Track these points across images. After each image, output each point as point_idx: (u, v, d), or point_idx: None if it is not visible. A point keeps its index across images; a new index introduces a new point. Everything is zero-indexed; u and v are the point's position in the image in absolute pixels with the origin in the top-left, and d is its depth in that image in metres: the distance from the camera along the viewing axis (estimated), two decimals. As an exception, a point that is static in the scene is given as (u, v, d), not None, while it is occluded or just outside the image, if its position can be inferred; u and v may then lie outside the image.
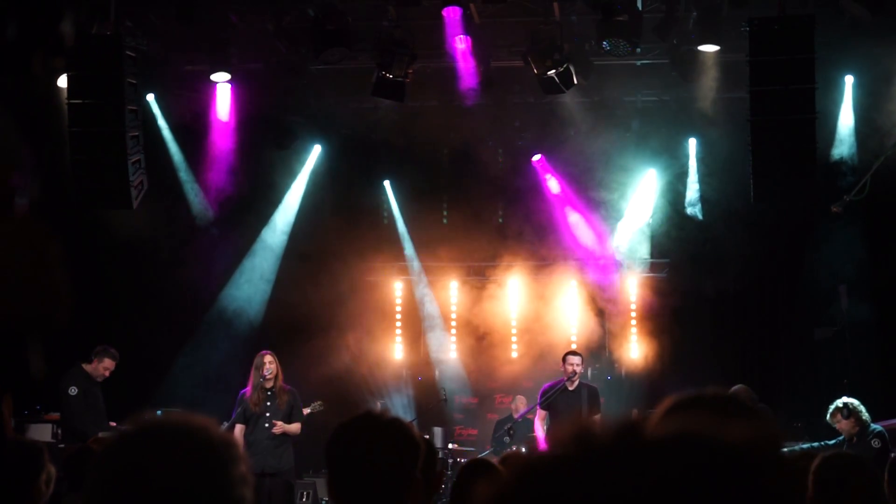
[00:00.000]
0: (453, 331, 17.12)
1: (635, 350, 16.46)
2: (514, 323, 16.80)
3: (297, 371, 14.45)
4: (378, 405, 15.49)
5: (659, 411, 1.85)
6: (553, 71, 13.18)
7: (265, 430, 11.85)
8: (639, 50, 13.06)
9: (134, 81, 12.06)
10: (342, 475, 3.21)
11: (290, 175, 16.79)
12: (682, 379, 14.85)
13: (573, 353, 12.93)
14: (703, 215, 15.88)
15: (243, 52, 14.12)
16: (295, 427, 12.03)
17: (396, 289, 17.37)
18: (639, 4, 12.56)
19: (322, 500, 14.24)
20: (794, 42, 11.14)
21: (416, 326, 17.24)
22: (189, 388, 14.99)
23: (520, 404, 14.78)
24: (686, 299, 15.64)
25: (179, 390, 14.97)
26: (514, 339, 16.76)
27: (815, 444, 11.21)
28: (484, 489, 1.18)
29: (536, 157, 16.57)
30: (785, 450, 10.21)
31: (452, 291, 17.20)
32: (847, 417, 11.03)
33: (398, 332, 17.24)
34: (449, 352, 17.03)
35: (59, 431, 12.97)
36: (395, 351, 17.15)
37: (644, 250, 16.57)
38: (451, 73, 14.23)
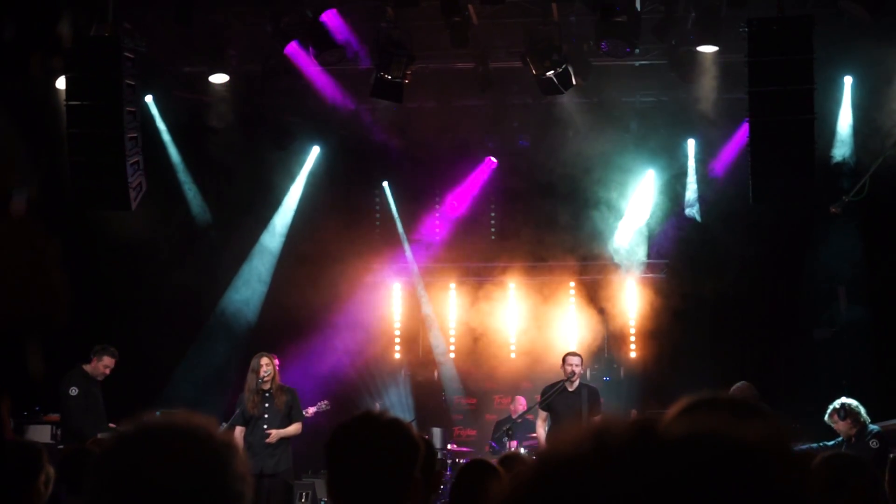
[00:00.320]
0: (452, 332, 17.12)
1: (634, 351, 16.46)
2: (512, 323, 16.80)
3: (296, 372, 14.47)
4: (377, 406, 15.49)
5: (673, 412, 1.85)
6: (552, 72, 13.18)
7: (263, 431, 11.85)
8: (637, 51, 13.06)
9: (132, 83, 12.04)
10: (341, 475, 3.21)
11: (289, 176, 16.80)
12: (681, 380, 14.87)
13: (572, 353, 12.92)
14: (702, 216, 15.89)
15: (241, 53, 14.12)
16: (294, 428, 12.03)
17: (395, 290, 17.37)
18: (637, 5, 12.56)
19: (321, 500, 14.23)
20: (793, 43, 11.14)
21: (414, 327, 17.24)
22: (188, 388, 14.99)
23: (518, 405, 14.78)
24: (685, 300, 15.64)
25: (179, 391, 14.97)
26: (512, 339, 16.76)
27: (814, 444, 11.20)
28: (501, 486, 1.18)
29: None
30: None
31: (451, 292, 17.20)
32: (844, 419, 11.03)
33: (397, 333, 17.24)
34: (447, 353, 17.03)
35: (58, 432, 12.96)
36: (394, 352, 17.15)
37: (643, 251, 16.57)
38: (448, 75, 14.25)
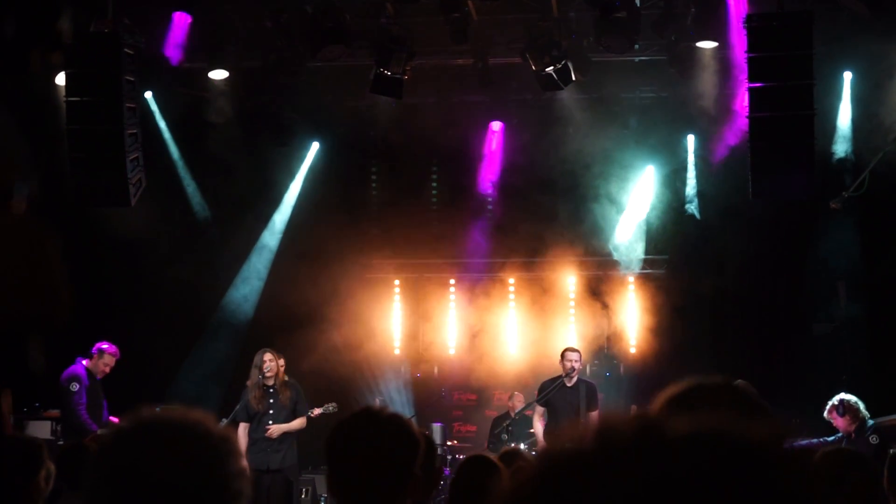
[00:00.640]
0: (451, 328, 17.12)
1: (634, 347, 16.47)
2: (511, 320, 16.80)
3: (297, 368, 14.47)
4: (377, 401, 15.49)
5: (660, 400, 1.85)
6: (551, 67, 13.17)
7: (267, 428, 11.87)
8: (637, 46, 13.06)
9: (132, 79, 12.03)
10: (342, 471, 3.21)
11: (289, 172, 16.79)
12: (681, 375, 14.78)
13: (571, 349, 12.93)
14: (702, 212, 15.88)
15: (241, 49, 14.11)
16: (297, 423, 12.04)
17: (395, 286, 17.37)
18: (637, 1, 12.55)
19: (321, 496, 14.24)
20: (793, 38, 11.13)
21: (414, 323, 17.24)
22: (188, 385, 15.00)
23: (517, 401, 14.78)
24: (684, 296, 15.64)
25: (178, 387, 14.99)
26: (512, 335, 16.76)
27: (814, 440, 11.21)
28: (505, 482, 1.18)
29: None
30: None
31: (451, 288, 17.20)
32: (843, 415, 11.04)
33: (397, 328, 17.24)
34: (447, 349, 17.03)
35: (59, 428, 12.98)
36: (394, 348, 17.15)
37: (642, 247, 16.57)
38: (448, 71, 14.25)
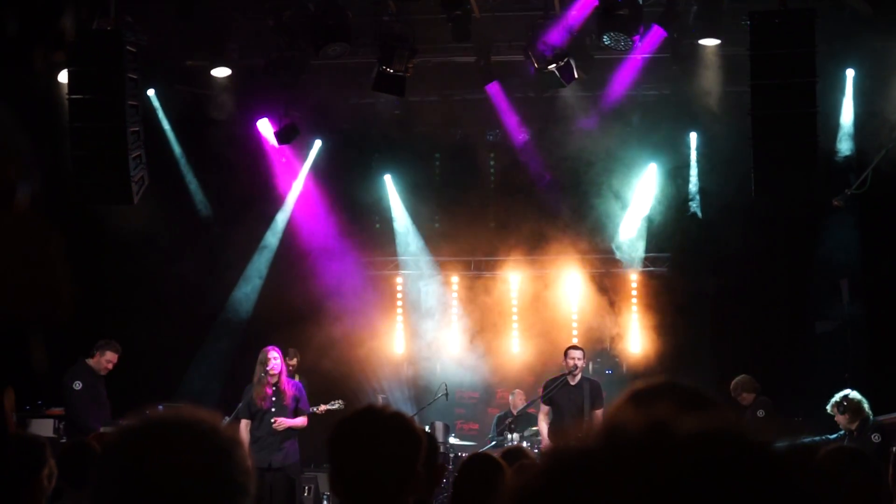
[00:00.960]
0: (454, 325, 17.12)
1: (636, 344, 16.46)
2: (514, 317, 16.80)
3: (299, 366, 14.48)
4: (379, 399, 15.50)
5: (621, 399, 1.86)
6: (553, 65, 13.16)
7: (270, 425, 11.88)
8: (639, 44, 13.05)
9: (134, 76, 12.04)
10: (344, 469, 3.21)
11: (291, 170, 16.79)
12: (683, 373, 14.86)
13: (575, 347, 12.94)
14: (704, 209, 15.87)
15: (243, 47, 14.12)
16: (300, 421, 12.05)
17: (397, 283, 17.38)
18: (639, -2, 12.55)
19: (324, 494, 14.25)
20: (795, 36, 11.12)
21: (417, 321, 17.24)
22: (191, 382, 15.01)
23: (518, 399, 14.78)
24: (687, 294, 15.63)
25: (182, 385, 14.99)
26: (514, 333, 16.76)
27: (817, 438, 11.20)
28: (512, 480, 1.18)
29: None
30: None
31: (453, 286, 17.20)
32: (843, 413, 11.03)
33: (399, 326, 17.25)
34: (450, 346, 17.03)
35: (61, 426, 12.99)
36: (396, 345, 17.16)
37: (645, 245, 16.56)
38: (450, 68, 14.24)
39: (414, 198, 17.17)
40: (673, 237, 16.26)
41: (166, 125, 15.43)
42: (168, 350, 15.33)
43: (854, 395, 11.12)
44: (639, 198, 16.36)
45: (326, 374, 15.23)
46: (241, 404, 12.02)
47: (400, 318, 17.29)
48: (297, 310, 15.63)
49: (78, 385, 12.45)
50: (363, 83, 14.00)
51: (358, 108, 15.69)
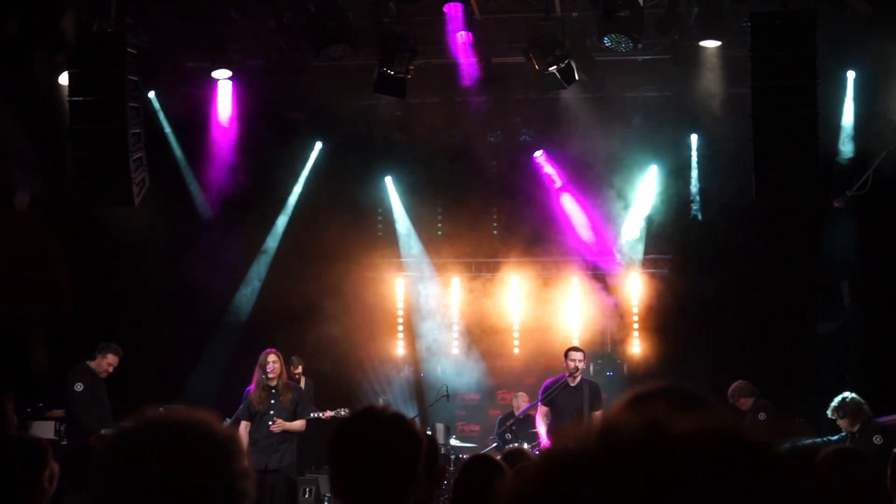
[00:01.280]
0: (455, 327, 17.12)
1: (637, 346, 16.46)
2: (515, 319, 16.81)
3: (304, 372, 14.49)
4: (380, 401, 15.50)
5: (620, 403, 1.86)
6: (554, 67, 13.16)
7: (268, 427, 11.88)
8: (640, 46, 13.04)
9: (135, 78, 12.04)
10: (345, 471, 3.21)
11: (292, 171, 16.80)
12: (684, 374, 14.86)
13: (575, 349, 12.93)
14: (705, 211, 15.87)
15: (244, 48, 14.12)
16: (297, 424, 12.04)
17: (398, 285, 17.38)
18: (640, 0, 12.55)
19: (325, 496, 14.25)
20: (796, 37, 11.12)
21: (418, 323, 17.25)
22: (191, 384, 15.01)
23: (521, 401, 14.78)
24: (688, 295, 15.63)
25: (183, 387, 14.99)
26: (515, 335, 16.77)
27: (818, 440, 11.20)
28: (509, 482, 1.18)
29: (538, 154, 16.57)
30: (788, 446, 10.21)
31: (454, 288, 17.20)
32: (843, 417, 11.03)
33: (400, 328, 17.25)
34: (451, 348, 17.03)
35: (63, 428, 12.99)
36: (397, 347, 17.16)
37: (646, 246, 16.57)
38: (451, 70, 14.23)
39: (415, 199, 17.18)
40: (674, 239, 16.27)
41: (167, 127, 15.43)
42: (168, 352, 15.34)
43: (852, 397, 11.11)
44: (640, 199, 16.37)
45: (327, 376, 15.24)
46: (241, 406, 12.03)
47: (401, 320, 17.29)
48: (297, 312, 15.63)
49: (79, 387, 12.46)
50: (364, 85, 13.99)
51: (359, 110, 15.69)
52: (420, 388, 16.87)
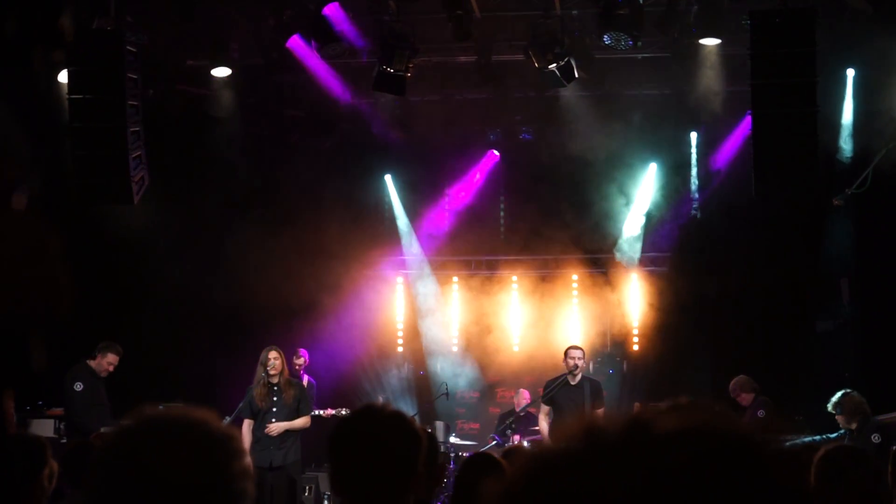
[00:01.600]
0: (455, 325, 17.13)
1: (636, 344, 16.47)
2: (515, 317, 16.81)
3: (307, 366, 14.48)
4: (380, 399, 15.50)
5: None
6: (554, 65, 13.16)
7: (269, 425, 11.88)
8: (640, 44, 13.04)
9: (134, 76, 12.04)
10: (345, 469, 3.21)
11: (291, 170, 16.78)
12: (684, 373, 14.90)
13: (575, 347, 12.93)
14: (705, 209, 15.88)
15: (244, 46, 14.11)
16: (301, 422, 12.04)
17: (398, 283, 17.38)
18: (639, -2, 12.55)
19: (325, 493, 14.25)
20: (796, 35, 11.12)
21: (417, 321, 17.25)
22: (190, 382, 15.00)
23: (522, 398, 14.78)
24: (687, 293, 15.63)
25: (182, 385, 14.97)
26: (515, 333, 16.77)
27: (817, 437, 11.21)
28: (493, 484, 1.18)
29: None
30: (787, 443, 10.22)
31: (454, 285, 17.21)
32: (843, 412, 11.04)
33: (399, 326, 17.25)
34: (450, 346, 17.04)
35: (62, 427, 13.00)
36: (397, 345, 17.16)
37: (645, 244, 16.57)
38: (451, 68, 14.24)
39: (414, 197, 17.17)
40: (673, 237, 16.26)
41: (166, 125, 15.41)
42: (167, 350, 15.34)
43: (854, 394, 11.12)
44: (639, 197, 16.37)
45: (327, 374, 15.23)
46: (242, 404, 12.01)
47: (400, 318, 17.29)
48: (297, 310, 15.63)
49: (79, 386, 12.46)
50: (364, 82, 13.99)
51: (358, 108, 15.68)
52: (420, 385, 16.87)
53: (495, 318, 16.71)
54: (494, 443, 13.55)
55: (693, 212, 16.06)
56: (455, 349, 17.01)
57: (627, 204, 16.36)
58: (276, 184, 16.73)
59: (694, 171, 16.06)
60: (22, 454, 4.98)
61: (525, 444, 12.66)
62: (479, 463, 5.74)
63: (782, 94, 11.12)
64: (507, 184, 16.75)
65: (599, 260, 16.67)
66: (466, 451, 13.34)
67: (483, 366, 16.63)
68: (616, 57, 13.81)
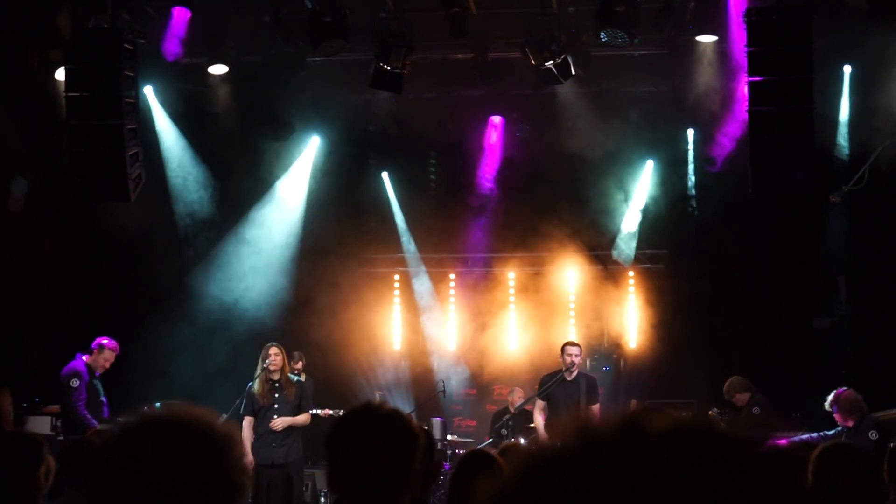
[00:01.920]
0: (451, 322, 17.13)
1: (633, 340, 16.47)
2: (512, 314, 16.81)
3: (305, 368, 14.48)
4: (377, 396, 15.51)
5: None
6: (551, 62, 13.17)
7: (271, 422, 11.87)
8: (636, 41, 13.04)
9: (131, 74, 12.04)
10: (342, 466, 3.22)
11: (288, 167, 16.78)
12: (681, 370, 14.90)
13: (571, 343, 12.93)
14: (701, 206, 15.88)
15: (241, 44, 14.10)
16: (303, 418, 12.04)
17: (394, 280, 17.38)
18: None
19: (322, 491, 14.25)
20: (792, 32, 11.13)
21: (414, 318, 17.25)
22: (188, 380, 14.99)
23: (517, 396, 14.79)
24: (684, 290, 15.65)
25: (178, 382, 14.97)
26: (512, 330, 16.77)
27: (815, 434, 11.23)
28: (488, 484, 1.18)
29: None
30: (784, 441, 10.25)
31: (451, 283, 17.20)
32: (840, 409, 11.05)
33: (396, 323, 17.25)
34: (447, 343, 17.04)
35: (59, 424, 12.99)
36: (394, 342, 17.16)
37: (642, 241, 16.57)
38: (447, 65, 14.23)
39: (411, 194, 17.17)
40: (670, 234, 16.27)
41: (163, 123, 15.41)
42: (165, 348, 15.34)
43: (851, 391, 11.14)
44: (636, 194, 16.37)
45: (324, 371, 15.23)
46: (243, 401, 11.99)
47: (397, 315, 17.29)
48: (293, 307, 15.62)
49: (75, 383, 12.44)
50: (360, 80, 13.98)
51: (355, 105, 15.67)
52: (416, 383, 16.87)
53: (492, 316, 16.71)
54: (489, 441, 13.55)
55: (690, 209, 16.06)
56: (452, 346, 17.01)
57: (624, 201, 16.37)
58: (272, 180, 16.71)
59: (691, 167, 16.07)
60: (18, 452, 4.98)
61: (522, 441, 12.66)
62: (475, 460, 5.73)
63: (779, 91, 11.13)
64: (503, 181, 16.73)
65: (596, 257, 16.67)
66: (463, 449, 13.34)
67: (480, 363, 16.63)
68: (613, 54, 13.81)
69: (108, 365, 12.76)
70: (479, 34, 13.66)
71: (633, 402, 14.79)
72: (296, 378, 12.42)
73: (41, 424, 12.86)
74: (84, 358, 12.65)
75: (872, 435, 10.79)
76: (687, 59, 13.56)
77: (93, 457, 1.90)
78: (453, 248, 16.78)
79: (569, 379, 12.57)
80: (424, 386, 16.36)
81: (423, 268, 17.26)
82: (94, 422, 12.00)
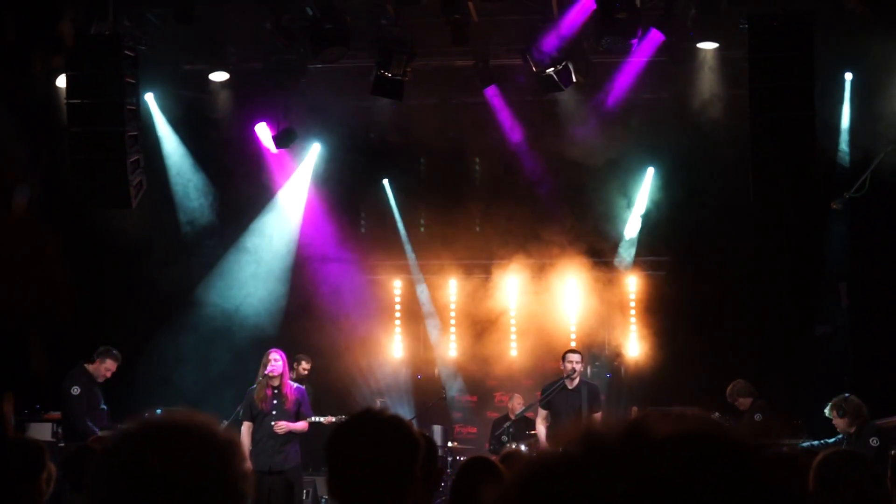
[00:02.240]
0: (452, 329, 17.11)
1: (635, 347, 16.46)
2: (513, 321, 16.79)
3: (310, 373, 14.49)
4: (378, 403, 15.50)
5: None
6: (552, 69, 13.17)
7: (271, 428, 11.85)
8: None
9: (133, 81, 12.05)
10: (342, 473, 3.21)
11: (288, 174, 16.78)
12: (682, 376, 14.88)
13: (573, 350, 12.92)
14: (702, 212, 15.87)
15: (242, 51, 14.12)
16: (301, 425, 12.03)
17: (395, 287, 17.37)
18: (637, 1, 12.55)
19: (322, 498, 14.24)
20: (794, 39, 11.13)
21: (415, 325, 17.24)
22: (189, 386, 14.99)
23: (517, 403, 14.77)
24: (685, 297, 15.63)
25: (179, 389, 14.98)
26: (513, 336, 16.75)
27: (815, 442, 11.21)
28: (491, 490, 1.18)
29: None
30: (785, 447, 10.22)
31: (452, 289, 17.19)
32: (842, 416, 11.04)
33: (398, 330, 17.24)
34: (448, 350, 17.03)
35: (60, 430, 12.99)
36: (395, 349, 17.15)
37: (643, 248, 16.56)
38: (448, 72, 14.23)
39: (412, 201, 17.17)
40: (671, 241, 16.25)
41: (164, 129, 15.42)
42: (166, 354, 15.34)
43: (852, 398, 11.13)
44: (637, 201, 16.37)
45: (325, 378, 15.22)
46: (242, 406, 11.98)
47: (398, 322, 17.28)
48: (294, 314, 15.61)
49: (76, 390, 12.45)
50: (361, 87, 13.99)
51: (356, 112, 15.68)
52: (417, 390, 16.86)
53: (493, 322, 16.69)
54: (489, 448, 13.54)
55: (691, 215, 16.05)
56: (453, 353, 17.00)
57: (626, 207, 16.36)
58: (273, 187, 16.71)
59: (692, 174, 16.05)
60: (20, 458, 4.98)
61: (522, 448, 12.64)
62: (476, 467, 5.73)
63: (780, 98, 11.13)
64: (504, 187, 16.73)
65: (597, 264, 16.65)
66: (464, 456, 13.32)
67: (480, 370, 16.62)
68: (614, 61, 13.82)
69: (109, 374, 12.76)
70: (481, 41, 13.67)
71: (634, 408, 14.77)
72: (296, 385, 12.42)
73: (42, 431, 12.86)
74: (86, 365, 12.66)
75: (874, 442, 10.78)
76: (688, 65, 13.56)
77: (95, 463, 1.90)
78: (455, 254, 16.77)
79: (570, 387, 12.56)
80: (425, 393, 16.35)
81: (424, 275, 17.25)
82: (95, 429, 12.01)
